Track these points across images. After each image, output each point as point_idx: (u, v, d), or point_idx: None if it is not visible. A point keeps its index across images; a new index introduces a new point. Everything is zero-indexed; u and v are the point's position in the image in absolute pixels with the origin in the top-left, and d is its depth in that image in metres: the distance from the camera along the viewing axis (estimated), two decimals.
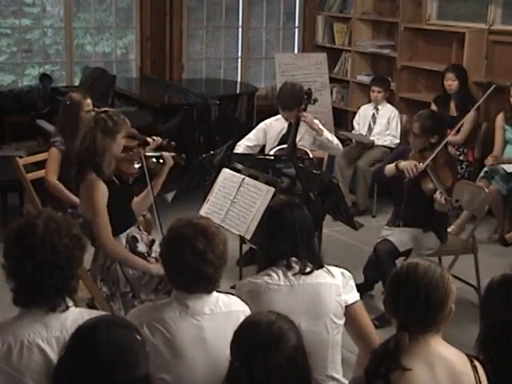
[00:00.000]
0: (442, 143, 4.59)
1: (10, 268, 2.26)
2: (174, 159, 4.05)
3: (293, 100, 5.39)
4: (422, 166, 4.47)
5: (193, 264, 2.47)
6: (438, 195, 4.31)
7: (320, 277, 2.89)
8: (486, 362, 2.32)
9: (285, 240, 2.90)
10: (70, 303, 2.32)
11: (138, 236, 3.82)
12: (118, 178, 3.76)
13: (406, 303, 2.26)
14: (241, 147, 5.47)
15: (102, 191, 3.60)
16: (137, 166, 3.87)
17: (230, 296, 2.65)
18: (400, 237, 4.60)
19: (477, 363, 2.28)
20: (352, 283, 2.94)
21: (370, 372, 2.21)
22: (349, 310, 2.90)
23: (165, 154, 4.03)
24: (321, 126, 5.50)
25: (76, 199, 4.51)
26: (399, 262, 4.43)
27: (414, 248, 4.59)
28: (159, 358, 2.42)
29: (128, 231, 3.80)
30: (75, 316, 2.27)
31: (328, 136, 5.45)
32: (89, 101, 5.00)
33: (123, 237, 3.77)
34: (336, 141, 5.52)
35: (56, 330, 2.24)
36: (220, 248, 2.53)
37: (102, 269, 3.70)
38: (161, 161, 4.00)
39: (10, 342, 2.20)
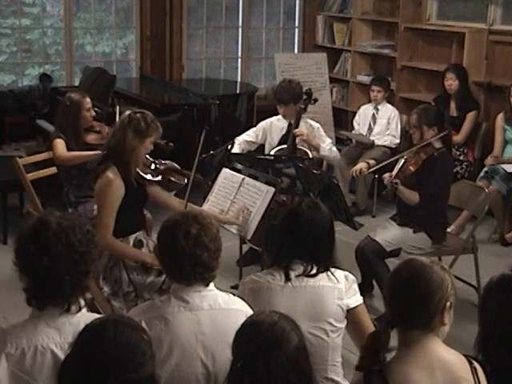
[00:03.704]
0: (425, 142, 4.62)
1: (25, 265, 2.26)
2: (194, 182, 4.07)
3: (287, 94, 5.40)
4: (365, 170, 4.91)
5: (188, 249, 2.49)
6: (388, 175, 4.55)
7: (323, 280, 2.89)
8: (485, 362, 2.31)
9: (295, 242, 2.90)
10: (83, 303, 2.32)
11: (145, 241, 3.81)
12: (136, 181, 3.75)
13: (391, 296, 2.28)
14: (238, 141, 5.49)
15: (118, 190, 3.60)
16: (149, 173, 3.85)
17: (231, 295, 2.65)
18: (386, 236, 4.62)
19: (476, 365, 2.27)
20: (355, 287, 2.94)
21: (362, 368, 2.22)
22: (351, 314, 2.91)
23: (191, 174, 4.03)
24: (321, 133, 5.51)
25: (90, 153, 4.75)
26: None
27: (402, 248, 4.59)
28: (158, 353, 2.42)
29: (137, 234, 3.79)
30: (87, 321, 2.26)
31: (325, 152, 5.46)
32: (88, 99, 5.04)
33: (132, 238, 3.77)
34: (333, 154, 5.53)
35: (69, 336, 2.23)
36: (213, 231, 2.55)
37: (104, 268, 3.70)
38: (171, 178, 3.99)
39: (24, 347, 2.20)
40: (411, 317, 2.23)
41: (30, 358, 2.19)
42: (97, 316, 2.35)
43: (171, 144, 4.76)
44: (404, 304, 2.24)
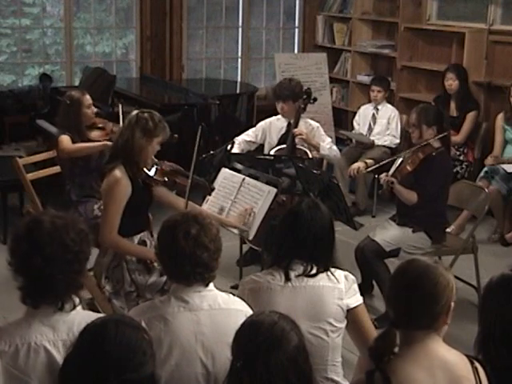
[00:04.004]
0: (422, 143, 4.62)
1: (19, 264, 2.27)
2: (200, 187, 4.06)
3: (286, 90, 5.41)
4: (363, 170, 4.84)
5: (187, 249, 2.49)
6: (384, 174, 4.59)
7: (323, 280, 2.89)
8: (485, 362, 2.31)
9: (295, 242, 2.90)
10: (77, 301, 2.33)
11: (148, 242, 3.80)
12: (142, 181, 3.74)
13: (394, 296, 2.28)
14: (238, 141, 5.49)
15: (125, 189, 3.59)
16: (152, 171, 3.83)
17: (231, 296, 2.65)
18: (385, 236, 4.63)
19: (477, 365, 2.28)
20: (355, 287, 2.94)
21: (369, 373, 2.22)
22: (351, 314, 2.91)
23: (197, 178, 4.02)
24: (321, 133, 5.50)
25: (97, 144, 4.82)
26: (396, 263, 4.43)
27: (401, 248, 4.59)
28: (157, 353, 2.42)
29: (141, 234, 3.79)
30: (82, 319, 2.27)
31: (325, 152, 5.45)
32: (88, 96, 5.03)
33: (136, 238, 3.76)
34: (333, 153, 5.51)
35: (63, 333, 2.24)
36: (213, 232, 2.56)
37: (107, 267, 3.69)
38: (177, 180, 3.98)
39: (18, 344, 2.21)
40: (415, 318, 2.24)
41: (23, 355, 2.20)
42: (91, 314, 2.36)
43: (176, 136, 4.73)
44: (409, 305, 2.24)
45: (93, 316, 2.31)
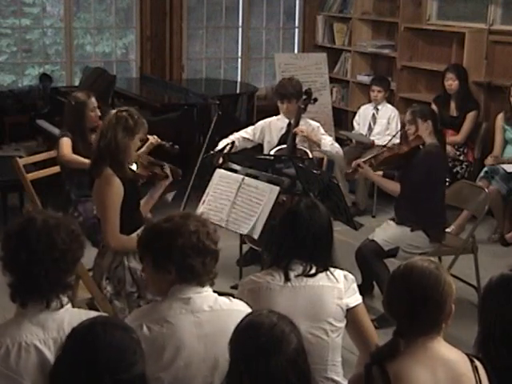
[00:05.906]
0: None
1: (7, 260, 2.28)
2: (172, 173, 4.01)
3: (291, 89, 5.40)
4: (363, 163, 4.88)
5: (200, 244, 2.48)
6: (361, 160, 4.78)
7: (322, 279, 2.89)
8: (485, 362, 2.32)
9: (295, 241, 2.90)
10: (65, 301, 2.32)
11: None
12: (130, 178, 3.74)
13: (400, 306, 2.27)
14: (235, 136, 5.47)
15: (117, 188, 3.59)
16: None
17: (232, 299, 2.64)
18: (384, 235, 4.63)
19: (478, 363, 2.28)
20: (354, 286, 2.94)
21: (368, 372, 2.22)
22: (350, 313, 2.91)
23: (168, 166, 4.00)
24: (321, 132, 5.50)
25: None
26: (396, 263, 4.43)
27: (400, 247, 4.59)
28: (159, 356, 2.42)
29: (138, 232, 3.78)
30: (72, 317, 2.27)
31: (327, 148, 5.44)
32: (93, 99, 5.03)
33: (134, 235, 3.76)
34: (335, 149, 5.48)
35: (53, 331, 2.24)
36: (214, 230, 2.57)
37: (108, 268, 3.69)
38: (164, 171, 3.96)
39: (8, 345, 2.21)
40: (418, 326, 2.24)
41: (14, 356, 2.20)
42: (82, 312, 2.36)
43: (177, 147, 4.74)
44: (411, 315, 2.23)
45: (83, 314, 2.31)
